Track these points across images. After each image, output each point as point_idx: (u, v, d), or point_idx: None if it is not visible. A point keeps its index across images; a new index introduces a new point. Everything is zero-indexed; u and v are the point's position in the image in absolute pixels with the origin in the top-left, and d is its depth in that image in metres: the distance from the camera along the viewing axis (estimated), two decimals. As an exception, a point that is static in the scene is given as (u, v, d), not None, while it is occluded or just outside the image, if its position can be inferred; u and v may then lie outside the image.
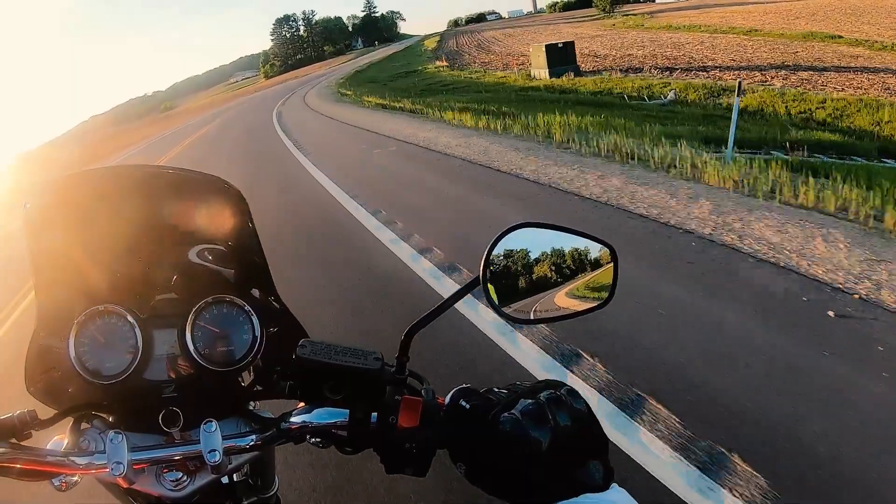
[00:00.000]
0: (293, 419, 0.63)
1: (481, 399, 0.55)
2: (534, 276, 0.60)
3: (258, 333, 0.69)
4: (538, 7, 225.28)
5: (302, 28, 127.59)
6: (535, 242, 0.59)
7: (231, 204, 0.70)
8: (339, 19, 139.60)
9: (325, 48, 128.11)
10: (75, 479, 0.65)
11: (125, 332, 0.67)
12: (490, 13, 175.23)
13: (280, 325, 0.73)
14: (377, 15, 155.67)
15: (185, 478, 0.63)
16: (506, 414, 0.51)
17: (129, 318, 0.67)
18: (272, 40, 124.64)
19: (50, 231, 0.67)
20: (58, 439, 0.64)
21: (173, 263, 0.72)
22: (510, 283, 0.59)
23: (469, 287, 0.58)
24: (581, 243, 0.61)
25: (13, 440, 0.61)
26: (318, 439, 0.65)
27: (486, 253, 0.58)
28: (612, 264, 0.61)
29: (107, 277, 0.70)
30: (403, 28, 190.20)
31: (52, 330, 0.68)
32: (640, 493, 0.81)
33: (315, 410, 0.62)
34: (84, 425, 0.65)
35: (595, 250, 0.61)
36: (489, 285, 0.59)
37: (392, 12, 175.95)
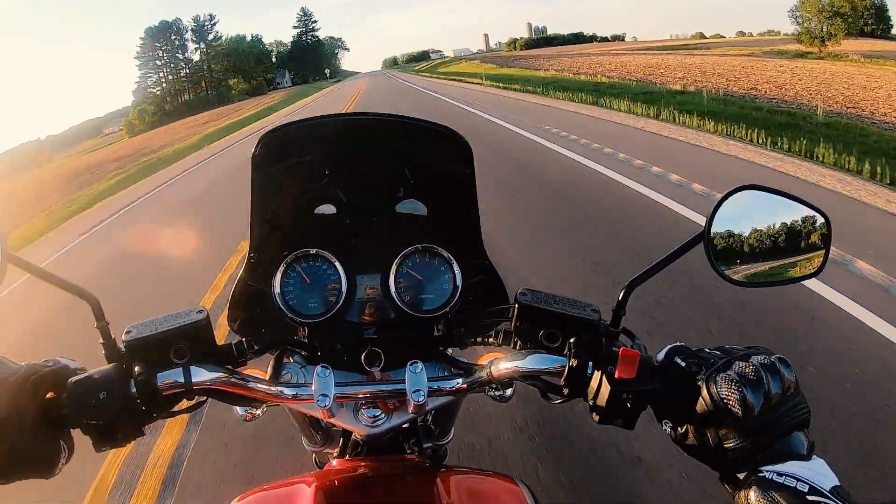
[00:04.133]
0: (504, 364, 0.63)
1: (695, 358, 0.54)
2: (751, 238, 0.61)
3: (459, 283, 0.72)
4: (492, 45, 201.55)
5: (192, 45, 78.21)
6: (755, 205, 0.61)
7: (456, 155, 0.71)
8: (257, 40, 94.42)
9: (229, 82, 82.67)
10: (259, 413, 0.74)
11: (330, 275, 0.72)
12: (434, 52, 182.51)
13: (480, 276, 0.75)
14: (314, 38, 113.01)
15: (382, 415, 0.66)
16: (721, 374, 0.50)
17: (336, 262, 0.71)
18: (138, 66, 73.88)
19: (269, 175, 0.71)
20: (251, 371, 0.67)
21: (379, 210, 0.74)
22: (729, 243, 0.61)
23: (690, 244, 0.58)
24: (796, 209, 0.62)
25: (229, 366, 0.64)
26: (499, 392, 0.72)
27: (710, 212, 0.59)
28: (826, 233, 0.62)
29: (315, 222, 0.74)
30: (345, 63, 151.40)
31: (259, 270, 0.72)
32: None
33: (528, 357, 0.62)
34: (285, 360, 0.69)
35: (810, 217, 0.62)
36: (710, 243, 0.60)
37: (333, 38, 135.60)
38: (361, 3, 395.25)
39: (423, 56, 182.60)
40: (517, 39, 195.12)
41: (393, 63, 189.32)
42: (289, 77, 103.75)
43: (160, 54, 73.23)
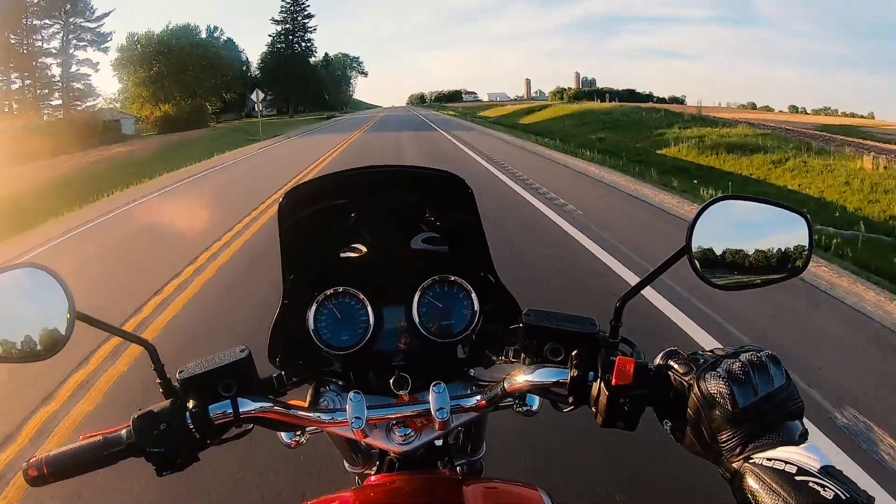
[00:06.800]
0: (515, 379, 0.68)
1: (688, 360, 0.58)
2: (733, 245, 0.64)
3: (477, 309, 0.79)
4: (532, 93, 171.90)
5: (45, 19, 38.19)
6: (734, 214, 0.65)
7: (462, 197, 0.79)
8: (214, 38, 59.38)
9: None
10: (302, 440, 0.81)
11: (358, 310, 0.79)
12: (467, 93, 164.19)
13: (496, 300, 0.82)
14: (306, 44, 76.76)
15: (412, 434, 0.73)
16: (710, 373, 0.54)
17: (363, 297, 0.79)
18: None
19: (296, 223, 0.78)
20: (292, 401, 0.73)
21: (399, 248, 0.82)
22: (711, 252, 0.64)
23: (675, 257, 0.62)
24: (775, 213, 0.64)
25: (271, 396, 0.72)
26: (525, 408, 0.78)
27: (690, 224, 0.62)
28: (806, 233, 0.64)
29: (342, 262, 0.82)
30: (359, 91, 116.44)
31: (293, 310, 0.79)
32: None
33: (536, 371, 0.67)
34: (322, 389, 0.77)
35: (789, 219, 0.64)
36: (693, 254, 0.63)
37: (346, 56, 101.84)
38: (398, 38, 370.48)
39: (455, 96, 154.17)
40: (565, 89, 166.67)
41: (420, 100, 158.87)
42: (263, 99, 68.68)
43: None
